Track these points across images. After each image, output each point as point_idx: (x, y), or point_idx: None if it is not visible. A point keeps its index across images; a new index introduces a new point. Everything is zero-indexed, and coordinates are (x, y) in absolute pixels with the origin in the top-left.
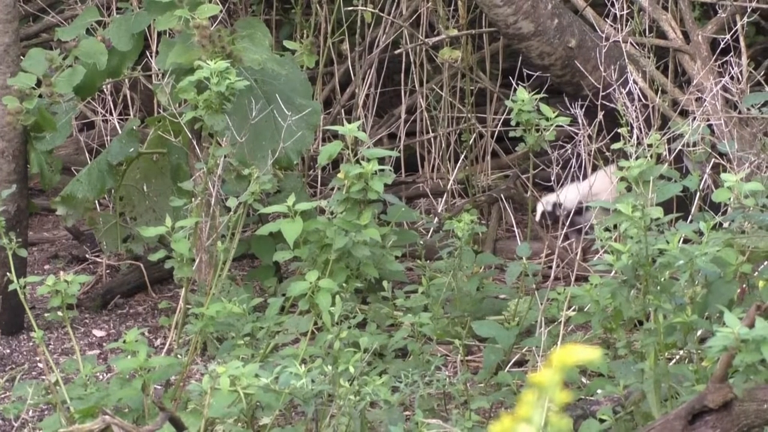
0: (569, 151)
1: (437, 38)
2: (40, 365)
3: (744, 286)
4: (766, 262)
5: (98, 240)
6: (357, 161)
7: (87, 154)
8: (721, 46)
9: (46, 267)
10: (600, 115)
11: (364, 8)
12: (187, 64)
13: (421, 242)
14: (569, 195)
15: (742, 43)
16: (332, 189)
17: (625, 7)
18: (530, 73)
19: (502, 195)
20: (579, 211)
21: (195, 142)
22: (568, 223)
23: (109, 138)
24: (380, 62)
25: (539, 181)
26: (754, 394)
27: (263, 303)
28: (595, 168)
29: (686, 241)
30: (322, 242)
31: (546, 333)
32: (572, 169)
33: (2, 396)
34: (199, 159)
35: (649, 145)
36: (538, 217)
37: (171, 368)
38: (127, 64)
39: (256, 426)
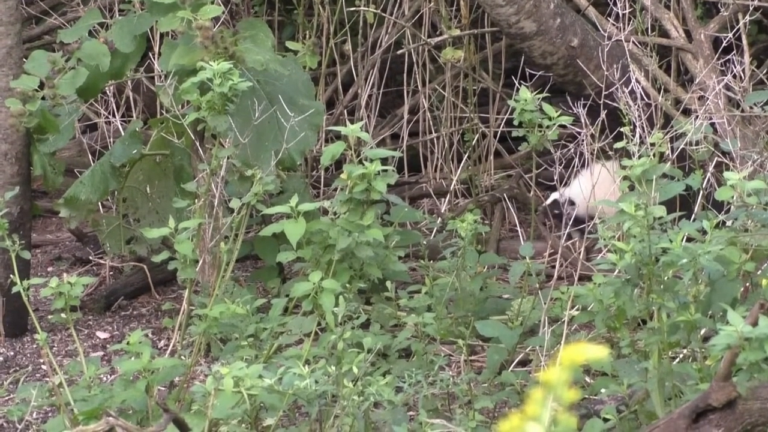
0: (572, 151)
1: (440, 38)
2: (43, 367)
3: (747, 284)
4: None
5: (101, 242)
6: (360, 162)
7: (90, 156)
8: (724, 44)
9: (50, 269)
10: (602, 115)
11: (367, 9)
12: (190, 65)
13: (425, 242)
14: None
15: (745, 42)
16: (335, 189)
17: (627, 6)
18: (533, 72)
19: (505, 195)
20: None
21: (198, 144)
22: (571, 222)
23: (112, 140)
24: (383, 63)
25: (542, 180)
26: (758, 393)
27: (266, 304)
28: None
29: (689, 239)
30: (325, 243)
31: (549, 332)
32: (575, 169)
33: (6, 398)
34: (202, 160)
35: (652, 144)
36: (547, 202)
37: (175, 370)
38: (130, 66)
39: (260, 427)
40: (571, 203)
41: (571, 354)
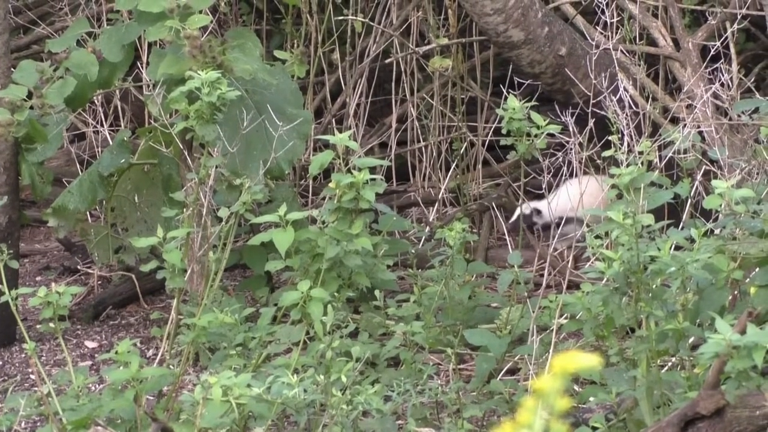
0: (560, 159)
1: (428, 47)
2: (32, 377)
3: (735, 292)
4: (757, 269)
5: (90, 251)
6: (348, 171)
7: (78, 166)
8: (712, 53)
9: (38, 278)
10: (591, 123)
11: (355, 18)
12: (178, 74)
13: (413, 251)
14: (555, 205)
15: (732, 50)
16: (324, 198)
17: (615, 14)
18: (521, 81)
19: (493, 203)
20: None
21: (186, 153)
22: (558, 234)
23: (100, 149)
24: (371, 71)
25: (530, 189)
26: (746, 401)
27: (255, 313)
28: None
29: (678, 248)
30: (313, 252)
31: (538, 341)
32: (563, 177)
33: None
34: (190, 169)
35: (640, 153)
36: (513, 218)
37: (163, 379)
38: (118, 75)
39: None
40: (538, 212)
41: (563, 363)
